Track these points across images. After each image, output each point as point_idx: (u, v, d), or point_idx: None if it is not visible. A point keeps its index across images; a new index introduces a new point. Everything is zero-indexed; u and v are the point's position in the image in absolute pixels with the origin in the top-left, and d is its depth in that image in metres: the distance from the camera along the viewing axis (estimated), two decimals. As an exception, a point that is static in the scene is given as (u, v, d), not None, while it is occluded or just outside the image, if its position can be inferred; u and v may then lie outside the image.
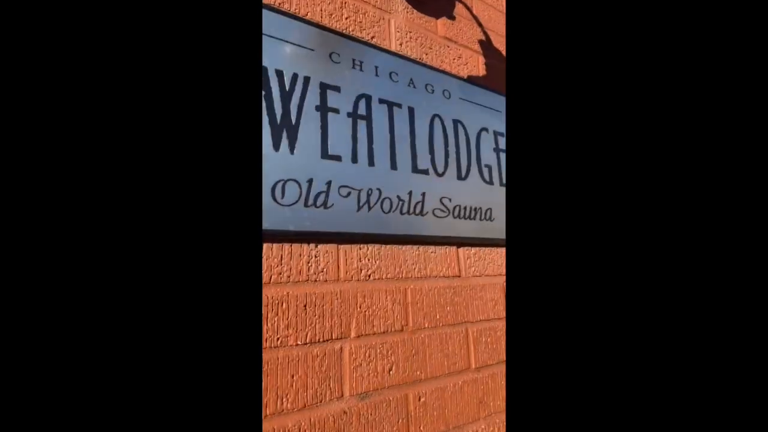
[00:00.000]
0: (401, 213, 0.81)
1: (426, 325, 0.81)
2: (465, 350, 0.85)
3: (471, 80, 1.06)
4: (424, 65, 0.95)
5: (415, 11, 0.99)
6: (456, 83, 1.01)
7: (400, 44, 0.94)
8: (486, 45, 1.14)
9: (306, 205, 0.69)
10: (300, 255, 0.68)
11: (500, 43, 1.18)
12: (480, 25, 1.15)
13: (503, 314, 0.95)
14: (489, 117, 1.06)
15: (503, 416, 0.87)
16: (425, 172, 0.87)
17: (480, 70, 1.11)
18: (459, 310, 0.87)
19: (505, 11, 1.25)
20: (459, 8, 1.11)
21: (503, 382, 0.90)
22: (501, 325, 0.94)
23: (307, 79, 0.74)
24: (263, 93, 0.68)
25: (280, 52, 0.72)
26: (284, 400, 0.61)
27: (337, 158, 0.75)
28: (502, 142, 1.07)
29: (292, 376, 0.63)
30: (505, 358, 0.92)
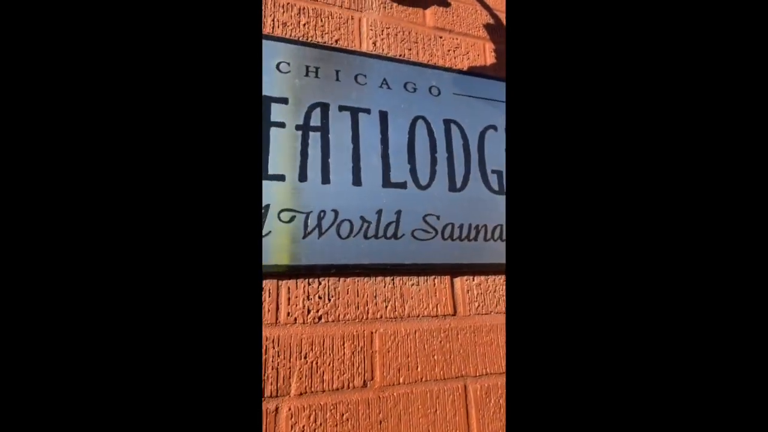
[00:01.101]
0: (365, 237, 0.66)
1: (401, 381, 0.63)
2: (462, 415, 0.64)
3: (473, 72, 0.88)
4: (403, 61, 0.81)
5: (394, 5, 0.87)
6: (449, 77, 0.84)
7: (374, 43, 0.82)
8: (494, 29, 0.95)
9: (234, 234, 0.59)
10: (227, 294, 0.58)
11: (515, 24, 0.98)
12: (486, 7, 0.97)
13: (526, 366, 0.71)
14: (499, 112, 0.85)
15: None
16: (401, 185, 0.72)
17: (487, 58, 0.92)
18: (454, 359, 0.67)
19: (520, -14, 1.04)
20: (457, -7, 0.95)
21: (526, 464, 0.65)
22: (522, 382, 0.70)
23: (246, 95, 0.67)
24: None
25: (217, 70, 0.67)
26: (192, 475, 0.50)
27: (279, 178, 0.64)
28: (518, 140, 0.85)
29: (205, 445, 0.52)
30: (529, 429, 0.67)
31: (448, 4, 0.93)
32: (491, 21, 0.96)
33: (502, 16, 0.98)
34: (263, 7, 0.75)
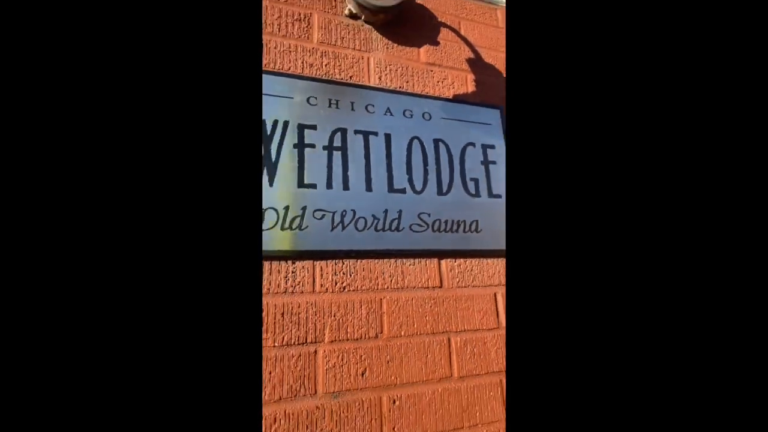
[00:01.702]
0: (376, 230, 0.90)
1: (402, 334, 0.87)
2: (446, 359, 0.88)
3: (457, 99, 1.11)
4: (403, 93, 1.04)
5: (396, 46, 1.09)
6: (438, 104, 1.07)
7: (379, 78, 1.04)
8: (475, 62, 1.18)
9: (282, 228, 0.82)
10: (278, 271, 0.81)
11: (491, 57, 1.21)
12: (469, 44, 1.19)
13: (493, 325, 0.95)
14: (477, 131, 1.09)
15: (491, 429, 0.87)
16: (402, 191, 0.95)
17: (468, 87, 1.15)
18: (440, 319, 0.91)
19: (495, 25, 1.27)
20: (445, 33, 1.18)
21: (492, 393, 0.90)
22: (490, 336, 0.94)
23: (286, 123, 0.89)
24: (247, 140, 0.84)
25: (264, 104, 0.88)
26: (261, 392, 0.73)
27: (312, 186, 0.87)
28: (491, 154, 1.08)
29: (269, 373, 0.75)
30: (495, 369, 0.92)
31: (437, 43, 1.15)
32: (472, 56, 1.19)
33: (482, 51, 1.20)
34: (295, 52, 0.97)
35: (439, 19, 1.19)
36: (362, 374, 0.81)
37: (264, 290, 0.79)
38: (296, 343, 0.78)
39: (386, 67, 1.06)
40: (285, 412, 0.74)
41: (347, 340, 0.82)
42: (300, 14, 1.01)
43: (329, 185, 0.89)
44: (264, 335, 0.76)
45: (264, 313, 0.78)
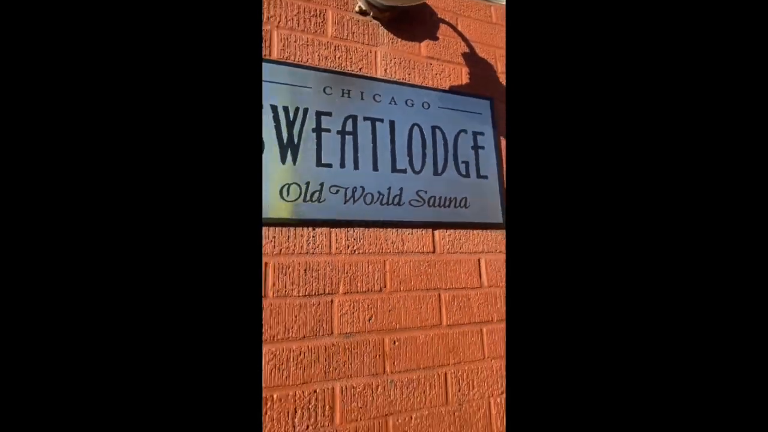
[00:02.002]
0: (381, 204, 1.07)
1: (402, 289, 1.05)
2: (437, 310, 1.08)
3: (452, 90, 1.26)
4: (405, 84, 1.18)
5: (399, 40, 1.22)
6: (436, 95, 1.22)
7: (385, 70, 1.18)
8: (469, 56, 1.32)
9: (305, 200, 0.98)
10: (301, 235, 0.98)
11: (484, 52, 1.35)
12: (464, 39, 1.33)
13: (476, 284, 1.15)
14: (469, 120, 1.25)
15: (471, 366, 1.08)
16: (403, 171, 1.11)
17: (463, 79, 1.29)
18: (432, 278, 1.10)
19: (489, 21, 1.40)
20: (444, 28, 1.31)
21: (473, 339, 1.10)
22: (474, 293, 1.14)
23: (305, 110, 1.04)
24: (274, 125, 0.99)
25: (286, 93, 1.02)
26: (289, 331, 0.92)
27: (329, 165, 1.03)
28: (481, 140, 1.25)
29: (295, 316, 0.93)
30: (476, 320, 1.12)
31: (437, 38, 1.29)
32: (467, 50, 1.33)
33: (476, 46, 1.34)
34: (312, 46, 1.10)
35: (439, 16, 1.31)
36: (369, 320, 1.00)
37: (291, 251, 0.96)
38: (316, 293, 0.96)
39: (391, 60, 1.20)
40: (308, 347, 0.93)
41: (357, 292, 1.00)
42: (316, 10, 1.13)
43: (342, 165, 1.04)
44: (291, 287, 0.94)
45: (291, 270, 0.95)
